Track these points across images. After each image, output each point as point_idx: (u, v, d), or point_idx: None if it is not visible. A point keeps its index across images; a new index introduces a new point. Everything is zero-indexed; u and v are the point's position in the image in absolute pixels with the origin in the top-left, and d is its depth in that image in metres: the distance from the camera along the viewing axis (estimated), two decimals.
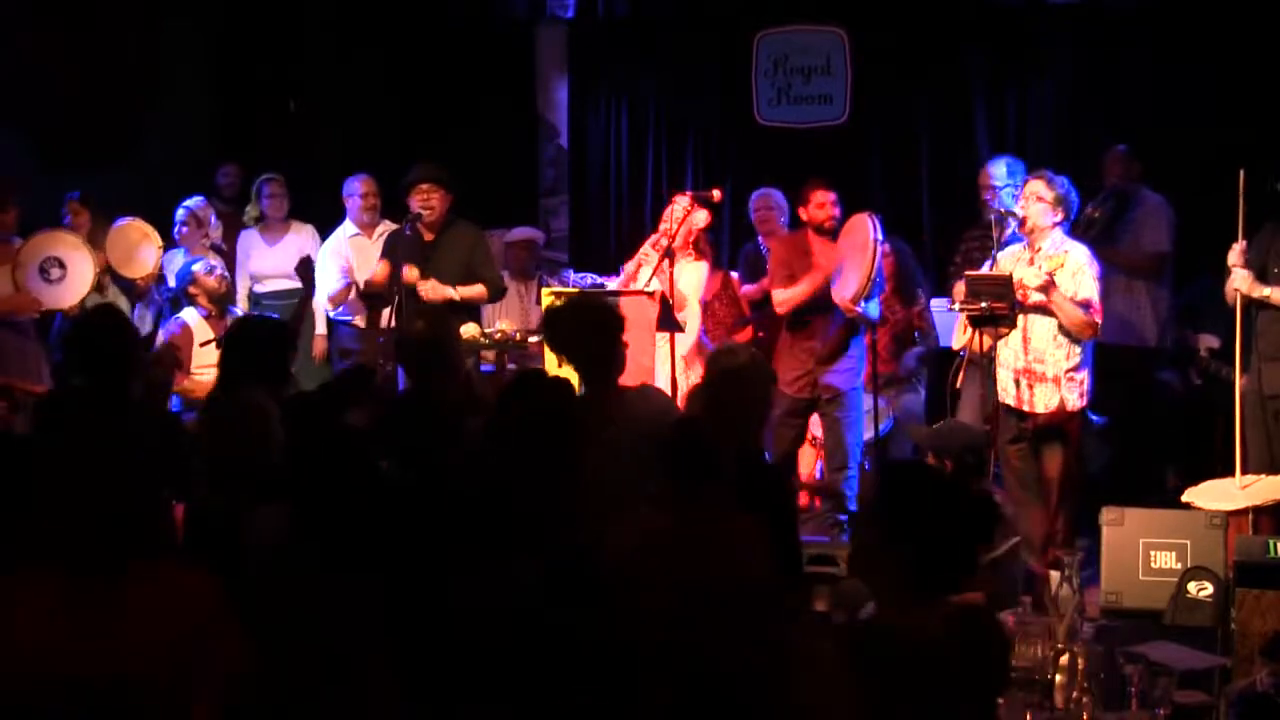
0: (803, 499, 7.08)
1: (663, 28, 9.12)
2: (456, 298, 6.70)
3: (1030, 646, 3.50)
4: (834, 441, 6.60)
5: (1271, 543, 4.81)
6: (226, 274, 7.11)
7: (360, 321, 7.41)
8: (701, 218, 6.71)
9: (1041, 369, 5.92)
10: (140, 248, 7.20)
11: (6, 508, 3.04)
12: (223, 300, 6.93)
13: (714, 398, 4.45)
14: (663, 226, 6.80)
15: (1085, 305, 5.84)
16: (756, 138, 9.04)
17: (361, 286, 7.10)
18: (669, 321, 6.24)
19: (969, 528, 2.87)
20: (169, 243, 7.43)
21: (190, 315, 6.86)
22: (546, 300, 6.51)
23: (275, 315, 6.83)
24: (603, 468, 3.85)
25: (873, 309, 6.42)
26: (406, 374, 5.69)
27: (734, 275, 7.80)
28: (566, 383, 4.05)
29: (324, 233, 7.69)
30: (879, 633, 2.84)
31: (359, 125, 8.88)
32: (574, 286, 7.29)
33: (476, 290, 6.80)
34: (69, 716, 2.63)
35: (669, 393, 6.17)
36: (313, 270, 7.42)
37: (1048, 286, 5.81)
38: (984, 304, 5.87)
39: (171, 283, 7.20)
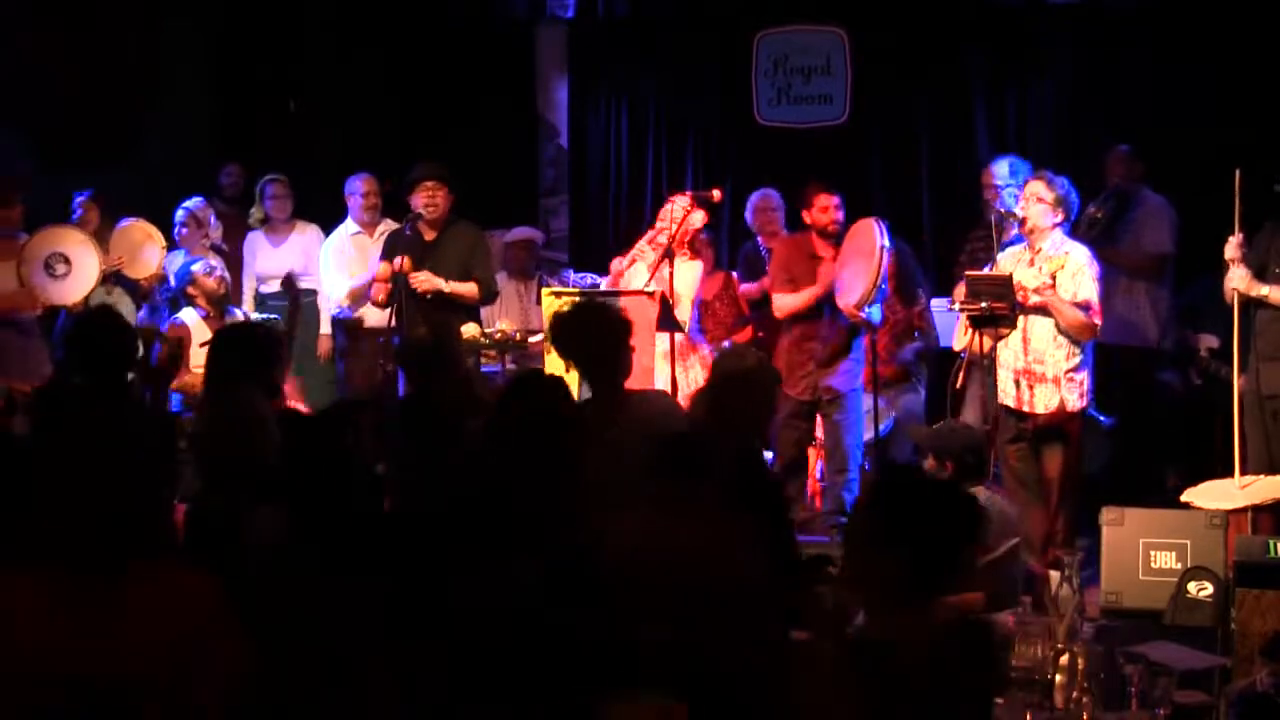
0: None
1: (663, 28, 9.12)
2: (446, 290, 6.70)
3: (1030, 646, 3.49)
4: (833, 443, 6.60)
5: (1271, 543, 4.81)
6: (226, 275, 7.12)
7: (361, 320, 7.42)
8: (699, 218, 6.71)
9: (1041, 369, 5.92)
10: (144, 248, 7.22)
11: (5, 507, 3.04)
12: (221, 301, 6.93)
13: (719, 400, 4.45)
14: (659, 225, 6.78)
15: (1085, 307, 5.84)
16: (756, 138, 9.04)
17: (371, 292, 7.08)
18: (669, 321, 6.24)
19: (955, 533, 2.88)
20: (170, 244, 7.44)
21: (189, 315, 6.87)
22: (546, 300, 6.52)
23: (279, 316, 6.86)
24: (607, 469, 3.85)
25: (875, 314, 6.42)
26: (407, 378, 5.70)
27: (734, 275, 7.80)
28: (563, 382, 4.05)
29: (326, 233, 7.70)
30: (869, 641, 2.84)
31: (359, 125, 8.88)
32: (574, 286, 7.30)
33: (468, 288, 6.80)
34: (68, 716, 2.63)
35: (669, 392, 6.18)
36: (296, 284, 7.42)
37: (1044, 290, 5.81)
38: (984, 304, 5.86)
39: (172, 283, 7.21)
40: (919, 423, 6.91)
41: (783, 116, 9.04)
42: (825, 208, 6.57)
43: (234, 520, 3.70)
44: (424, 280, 6.65)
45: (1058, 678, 3.46)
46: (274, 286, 7.79)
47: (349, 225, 7.50)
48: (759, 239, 7.73)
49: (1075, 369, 5.92)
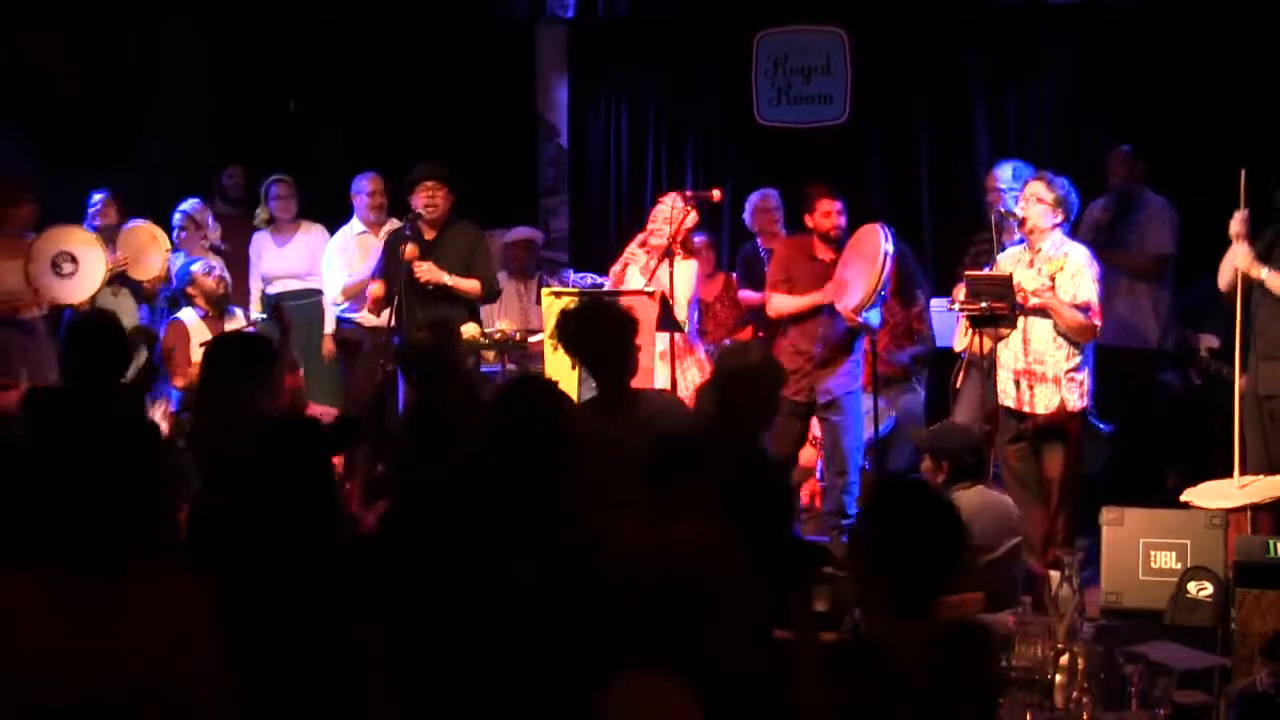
0: (804, 498, 7.08)
1: (663, 28, 9.12)
2: (449, 283, 6.70)
3: (1030, 646, 3.49)
4: (832, 446, 6.59)
5: (1271, 543, 4.80)
6: (225, 275, 7.12)
7: (362, 320, 7.43)
8: (690, 217, 6.69)
9: (1041, 370, 5.92)
10: (149, 250, 7.22)
11: (4, 508, 3.04)
12: (221, 301, 6.93)
13: (723, 395, 4.45)
14: (651, 226, 6.76)
15: (1085, 308, 5.84)
16: (756, 138, 9.04)
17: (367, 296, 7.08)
18: (669, 321, 6.24)
19: (939, 551, 2.90)
20: (170, 246, 7.45)
21: (188, 315, 6.87)
22: (546, 300, 6.51)
23: (268, 317, 6.85)
24: (613, 467, 3.84)
25: (874, 318, 6.41)
26: (408, 381, 5.70)
27: (734, 276, 7.80)
28: (557, 386, 4.04)
29: (330, 232, 7.70)
30: (869, 643, 2.85)
31: (359, 125, 8.88)
32: (574, 286, 7.29)
33: (471, 284, 6.80)
34: (68, 717, 2.63)
35: (670, 389, 6.18)
36: (286, 312, 7.43)
37: (1043, 293, 5.81)
38: (984, 304, 5.86)
39: (172, 283, 7.22)
40: (919, 423, 6.92)
41: (783, 116, 9.04)
42: (827, 213, 6.55)
43: (234, 520, 3.69)
44: (426, 270, 6.66)
45: (1058, 678, 3.46)
46: (279, 287, 7.80)
47: (354, 224, 7.51)
48: (758, 240, 7.73)
49: (1075, 369, 5.92)
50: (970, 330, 6.10)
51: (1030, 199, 5.96)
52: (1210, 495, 5.56)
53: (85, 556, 2.70)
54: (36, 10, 7.91)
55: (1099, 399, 6.20)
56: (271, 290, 7.79)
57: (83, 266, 6.88)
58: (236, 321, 7.04)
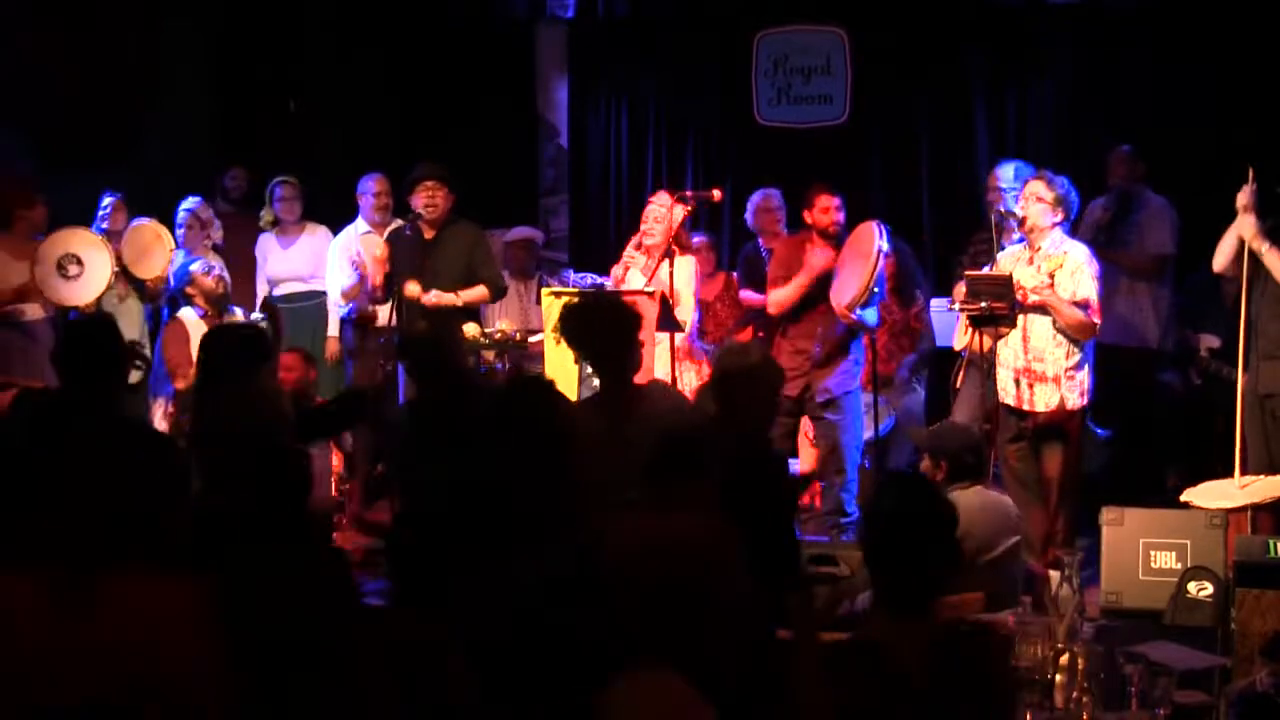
0: (803, 498, 7.07)
1: (663, 28, 9.12)
2: (459, 303, 6.75)
3: (1030, 646, 3.49)
4: (829, 445, 6.59)
5: (1271, 543, 4.80)
6: (225, 275, 7.12)
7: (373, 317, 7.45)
8: (680, 213, 6.67)
9: (1041, 368, 5.92)
10: (153, 249, 7.23)
11: (4, 508, 3.04)
12: (220, 301, 6.93)
13: (723, 396, 4.45)
14: (643, 227, 6.76)
15: (1084, 305, 5.84)
16: (756, 138, 9.04)
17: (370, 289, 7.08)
18: (669, 321, 6.24)
19: (936, 549, 2.90)
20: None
21: (188, 315, 6.87)
22: (546, 300, 6.51)
23: (265, 316, 6.85)
24: (617, 466, 3.84)
25: (869, 316, 6.42)
26: (408, 374, 5.70)
27: (734, 276, 7.79)
28: (552, 385, 4.04)
29: (334, 233, 7.69)
30: (869, 643, 2.86)
31: (359, 125, 8.89)
32: (574, 286, 7.29)
33: (478, 293, 6.86)
34: (67, 717, 2.63)
35: (672, 385, 6.19)
36: (278, 311, 7.44)
37: (1042, 290, 5.82)
38: (984, 304, 5.86)
39: (171, 282, 7.22)
40: (918, 423, 6.91)
41: (783, 116, 9.04)
42: (826, 209, 6.56)
43: (234, 520, 3.69)
44: (434, 298, 6.69)
45: (1058, 678, 3.46)
46: (284, 289, 7.80)
47: (359, 225, 7.51)
48: (759, 240, 7.73)
49: (1075, 368, 5.92)
50: (970, 329, 6.10)
51: (1030, 198, 5.97)
52: (1211, 495, 5.56)
53: (85, 556, 2.70)
54: (36, 10, 7.90)
55: (1098, 398, 6.20)
56: (277, 292, 7.79)
57: (88, 269, 6.89)
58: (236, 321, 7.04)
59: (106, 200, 7.44)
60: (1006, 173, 6.78)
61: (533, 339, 6.95)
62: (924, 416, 7.21)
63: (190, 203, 7.56)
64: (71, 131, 7.87)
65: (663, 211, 6.64)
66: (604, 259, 7.65)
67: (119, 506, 2.72)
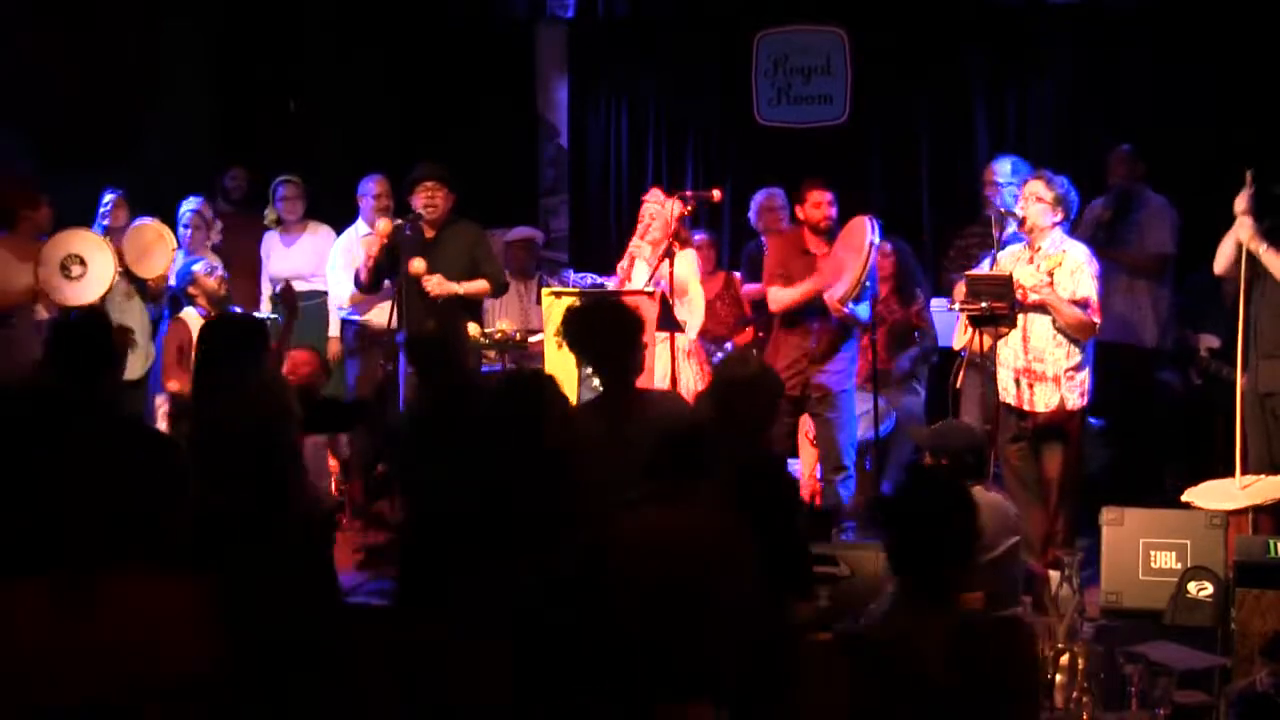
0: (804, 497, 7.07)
1: (663, 28, 9.12)
2: (461, 292, 6.74)
3: None
4: (827, 443, 6.60)
5: (1271, 543, 4.81)
6: (227, 275, 7.12)
7: (367, 320, 7.44)
8: (676, 207, 6.67)
9: (1041, 368, 5.92)
10: (154, 249, 7.23)
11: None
12: (222, 302, 6.93)
13: (724, 404, 4.45)
14: (641, 226, 6.75)
15: (1084, 304, 5.84)
16: (756, 138, 9.04)
17: (363, 276, 7.06)
18: (669, 321, 6.24)
19: (958, 542, 2.90)
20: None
21: (190, 315, 6.87)
22: (546, 300, 6.51)
23: (280, 318, 6.84)
24: (617, 467, 3.84)
25: (862, 310, 6.43)
26: (416, 373, 5.70)
27: (736, 275, 7.79)
28: (552, 381, 4.02)
29: (337, 233, 7.69)
30: (880, 644, 2.85)
31: (359, 125, 8.89)
32: (574, 286, 7.29)
33: (480, 285, 6.86)
34: (67, 717, 2.63)
35: (670, 389, 6.18)
36: (293, 293, 7.43)
37: (1041, 289, 5.82)
38: (984, 304, 5.86)
39: (173, 282, 7.22)
40: (919, 423, 6.91)
41: (783, 116, 9.04)
42: (818, 203, 6.58)
43: (234, 520, 3.69)
44: (436, 284, 6.68)
45: (1058, 678, 3.46)
46: None
47: (359, 226, 7.51)
48: (763, 238, 7.73)
49: (1075, 368, 5.92)
50: (970, 329, 6.10)
51: (1030, 197, 5.96)
52: (1212, 495, 5.56)
53: (85, 556, 2.70)
54: (36, 10, 7.90)
55: (1098, 398, 6.20)
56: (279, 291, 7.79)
57: (91, 269, 6.90)
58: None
59: (107, 197, 7.45)
60: (1003, 168, 6.78)
61: (533, 339, 6.95)
62: (924, 416, 7.21)
63: (193, 203, 7.56)
64: (71, 131, 7.87)
65: (658, 208, 6.65)
66: (604, 259, 7.65)
67: (119, 506, 2.72)
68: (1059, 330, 5.88)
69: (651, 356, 6.16)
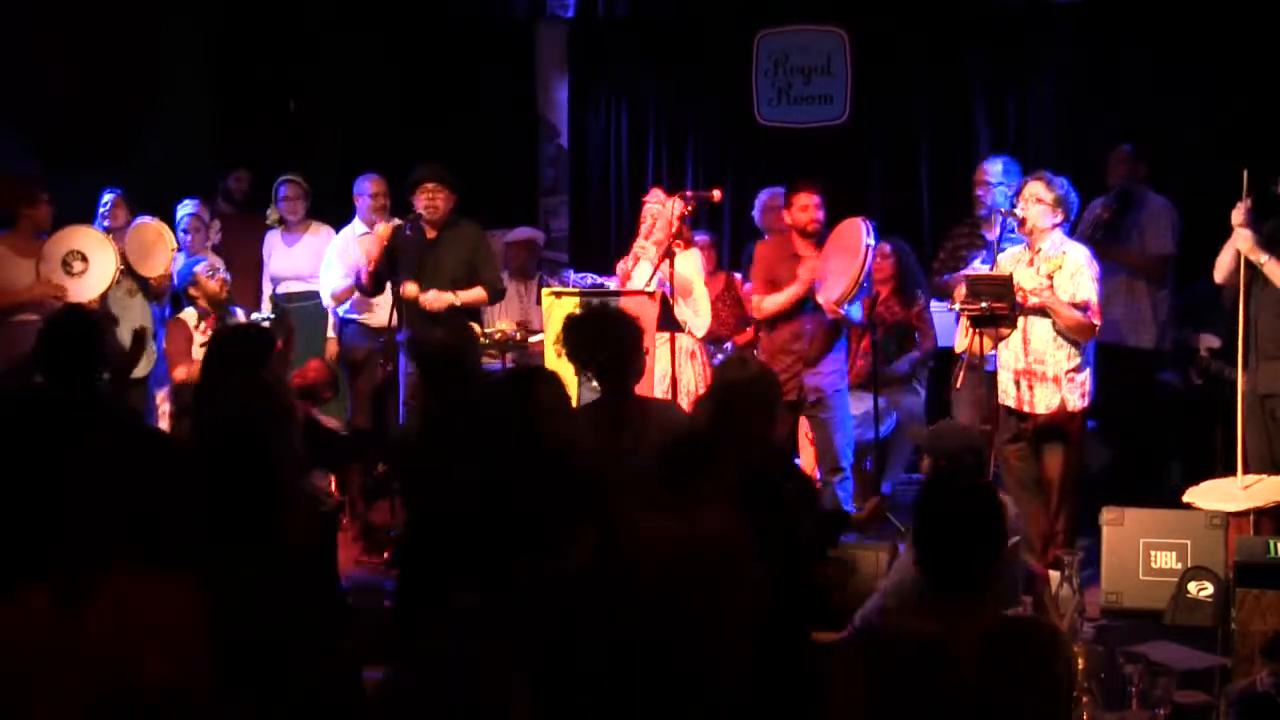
0: None
1: (663, 28, 9.13)
2: (458, 303, 6.75)
3: None
4: (824, 444, 6.59)
5: (1271, 543, 4.80)
6: (227, 276, 7.12)
7: (367, 320, 7.44)
8: (677, 206, 6.67)
9: (1042, 370, 5.91)
10: (155, 248, 7.23)
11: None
12: (222, 304, 6.93)
13: (723, 408, 4.45)
14: (643, 227, 6.75)
15: (1084, 307, 5.83)
16: (756, 138, 9.05)
17: (364, 279, 7.06)
18: (669, 321, 6.24)
19: (987, 544, 2.90)
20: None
21: (189, 314, 6.88)
22: (546, 300, 6.52)
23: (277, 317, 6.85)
24: (616, 471, 3.83)
25: (855, 311, 6.44)
26: (428, 383, 5.67)
27: (737, 276, 7.79)
28: (552, 376, 4.02)
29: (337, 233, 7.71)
30: (899, 641, 2.85)
31: (359, 125, 8.89)
32: (574, 286, 7.30)
33: (476, 294, 6.85)
34: (67, 718, 2.63)
35: (669, 388, 6.19)
36: (290, 318, 7.45)
37: (1041, 292, 5.82)
38: (984, 304, 5.86)
39: (174, 282, 7.23)
40: (919, 424, 6.91)
41: (783, 116, 9.05)
42: (805, 207, 6.56)
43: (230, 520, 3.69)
44: (432, 299, 6.69)
45: None
46: (286, 288, 7.80)
47: (356, 225, 7.52)
48: (766, 238, 7.72)
49: (1076, 369, 5.91)
50: (970, 330, 6.10)
51: (1030, 199, 5.96)
52: (1212, 496, 5.56)
53: (85, 556, 2.70)
54: (36, 10, 7.90)
55: (1098, 399, 6.20)
56: (279, 290, 7.80)
57: (93, 266, 6.91)
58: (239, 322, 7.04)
59: (107, 197, 7.46)
60: (995, 167, 6.79)
61: (533, 339, 6.95)
62: (924, 417, 7.21)
63: (189, 206, 7.55)
64: (71, 131, 7.87)
65: (659, 208, 6.65)
66: (604, 259, 7.65)
67: (119, 506, 2.72)
68: (1059, 332, 5.88)
69: (652, 358, 6.17)
